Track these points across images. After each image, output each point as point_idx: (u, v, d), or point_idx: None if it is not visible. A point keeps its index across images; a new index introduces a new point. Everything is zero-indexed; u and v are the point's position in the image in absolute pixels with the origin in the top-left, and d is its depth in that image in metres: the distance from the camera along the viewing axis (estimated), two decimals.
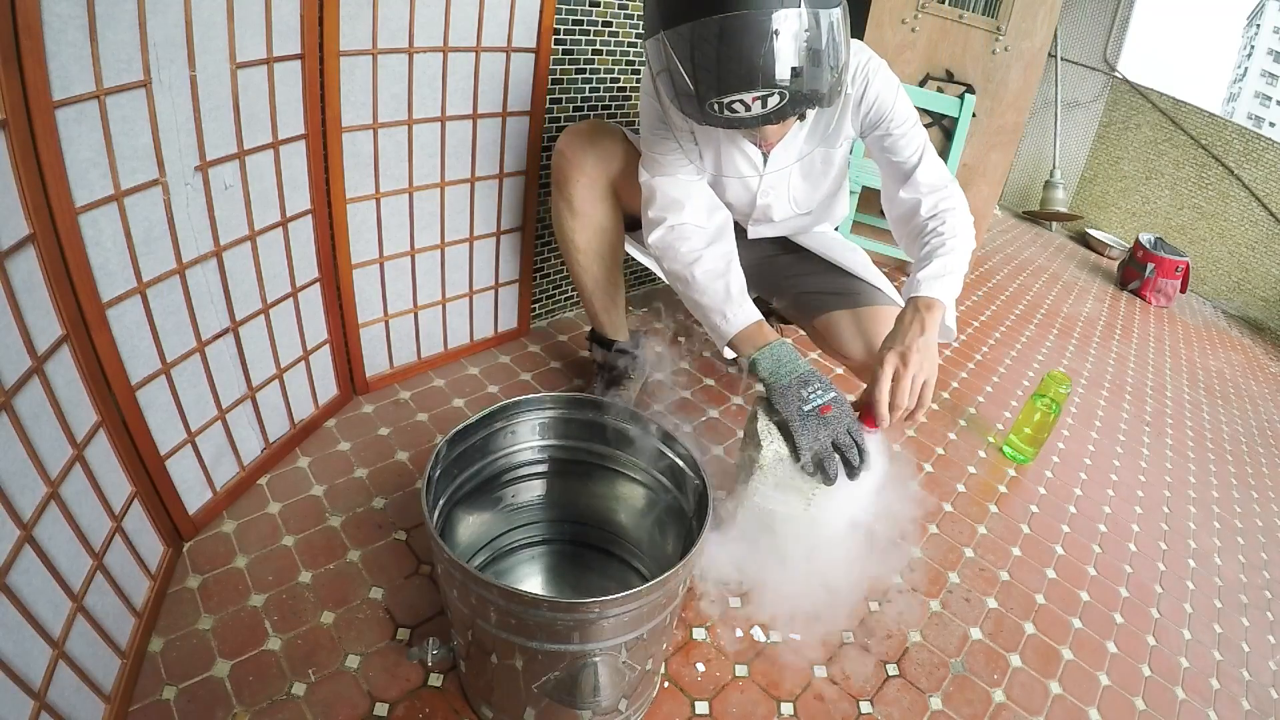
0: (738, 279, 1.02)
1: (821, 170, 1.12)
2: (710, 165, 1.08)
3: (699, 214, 1.05)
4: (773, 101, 0.77)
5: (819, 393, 0.90)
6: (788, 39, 0.74)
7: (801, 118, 0.88)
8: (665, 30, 0.77)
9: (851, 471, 0.87)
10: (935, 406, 1.67)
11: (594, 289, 1.25)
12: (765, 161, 1.07)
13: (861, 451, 0.88)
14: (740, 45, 0.73)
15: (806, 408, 0.89)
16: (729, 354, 1.04)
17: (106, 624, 0.75)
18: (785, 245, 1.27)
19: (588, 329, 1.37)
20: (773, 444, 0.89)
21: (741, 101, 0.76)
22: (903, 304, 1.10)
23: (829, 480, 0.87)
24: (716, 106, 0.78)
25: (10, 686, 0.60)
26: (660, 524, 0.94)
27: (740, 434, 1.39)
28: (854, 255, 1.22)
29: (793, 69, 0.75)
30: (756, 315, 1.00)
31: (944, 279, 0.96)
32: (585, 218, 1.17)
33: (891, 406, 0.89)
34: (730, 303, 1.00)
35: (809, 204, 1.17)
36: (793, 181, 1.12)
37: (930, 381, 0.90)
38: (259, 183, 0.95)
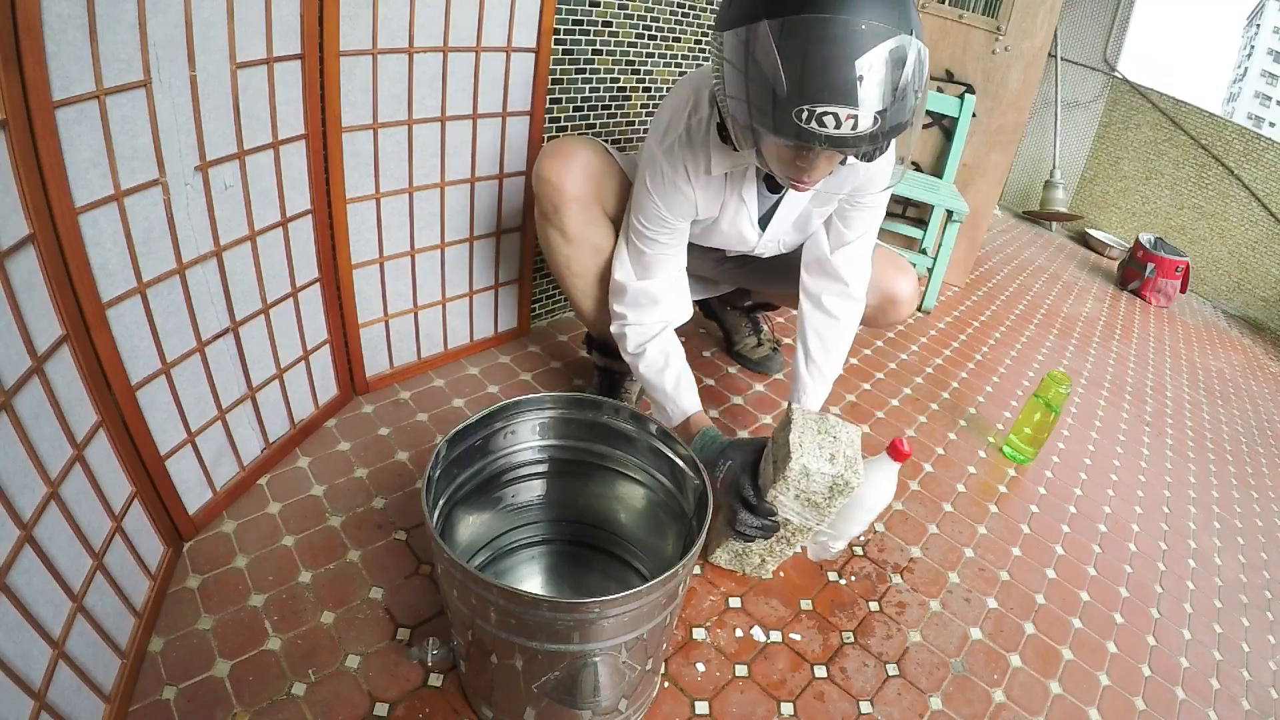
0: (673, 373, 1.11)
1: (816, 222, 1.15)
2: (710, 213, 1.08)
3: (657, 314, 1.12)
4: (864, 124, 0.71)
5: (720, 468, 1.00)
6: (903, 67, 0.70)
7: (843, 162, 0.87)
8: (770, 19, 0.69)
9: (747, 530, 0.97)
10: (935, 407, 1.67)
11: (593, 307, 1.22)
12: (767, 223, 1.11)
13: (751, 517, 0.96)
14: (861, 55, 0.68)
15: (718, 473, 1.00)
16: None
17: (106, 624, 0.75)
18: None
19: (585, 331, 1.37)
20: (802, 458, 0.89)
21: (834, 115, 0.70)
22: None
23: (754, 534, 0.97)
24: (805, 114, 0.71)
25: (10, 686, 0.60)
26: (660, 524, 0.94)
27: (740, 433, 1.40)
28: None
29: (892, 95, 0.70)
30: (691, 410, 1.11)
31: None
32: (581, 243, 1.14)
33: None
34: (668, 400, 1.11)
35: (795, 245, 1.21)
36: (786, 234, 1.16)
37: None
38: (259, 183, 0.95)
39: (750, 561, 1.05)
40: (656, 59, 1.51)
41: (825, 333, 1.17)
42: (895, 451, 0.99)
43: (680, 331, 1.74)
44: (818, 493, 0.91)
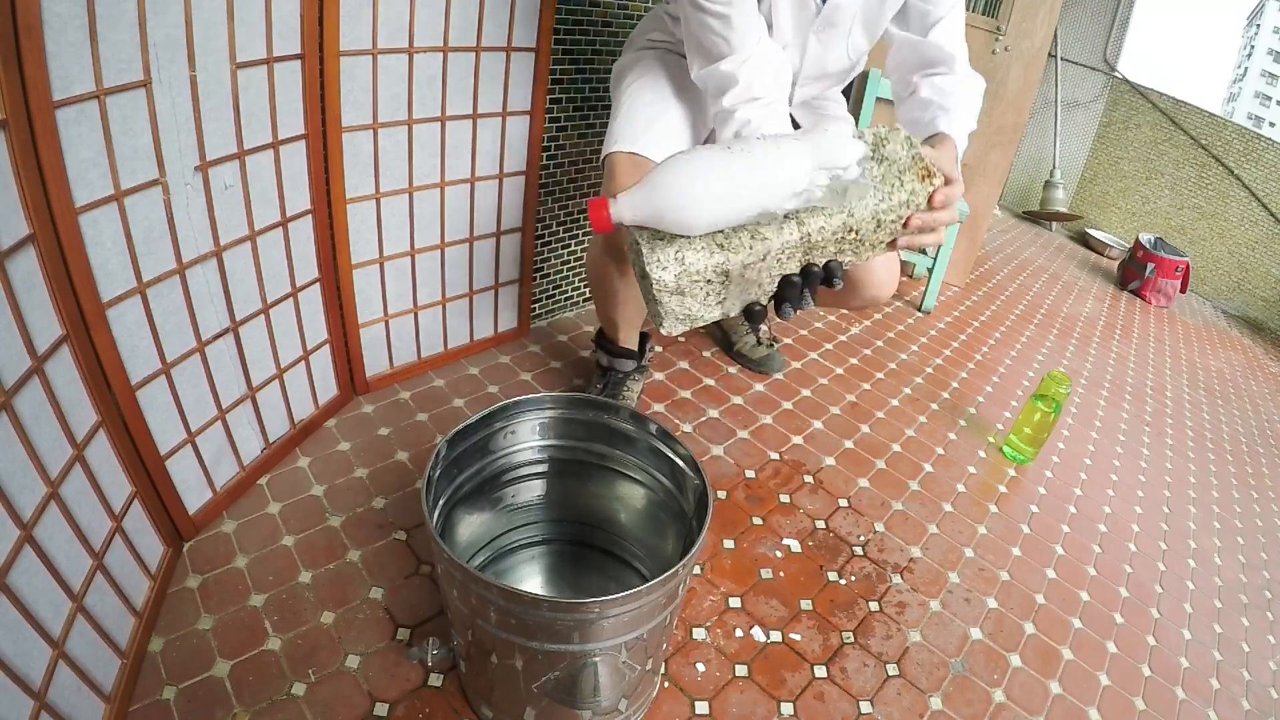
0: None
1: (877, 12, 1.01)
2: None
3: (735, 92, 0.93)
4: None
5: None
6: None
7: None
8: None
9: None
10: (935, 407, 1.67)
11: (622, 323, 1.26)
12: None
13: None
14: None
15: None
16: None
17: (106, 624, 0.76)
18: None
19: (591, 330, 1.37)
20: (649, 273, 0.61)
21: None
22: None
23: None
24: None
25: (10, 686, 0.60)
26: (660, 524, 0.94)
27: (741, 433, 1.40)
28: None
29: None
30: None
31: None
32: (632, 301, 1.19)
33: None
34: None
35: (859, 54, 1.09)
36: (854, 28, 1.03)
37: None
38: (259, 183, 0.95)
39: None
40: None
41: (946, 92, 0.97)
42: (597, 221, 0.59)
43: (684, 331, 1.74)
44: (717, 269, 0.61)
